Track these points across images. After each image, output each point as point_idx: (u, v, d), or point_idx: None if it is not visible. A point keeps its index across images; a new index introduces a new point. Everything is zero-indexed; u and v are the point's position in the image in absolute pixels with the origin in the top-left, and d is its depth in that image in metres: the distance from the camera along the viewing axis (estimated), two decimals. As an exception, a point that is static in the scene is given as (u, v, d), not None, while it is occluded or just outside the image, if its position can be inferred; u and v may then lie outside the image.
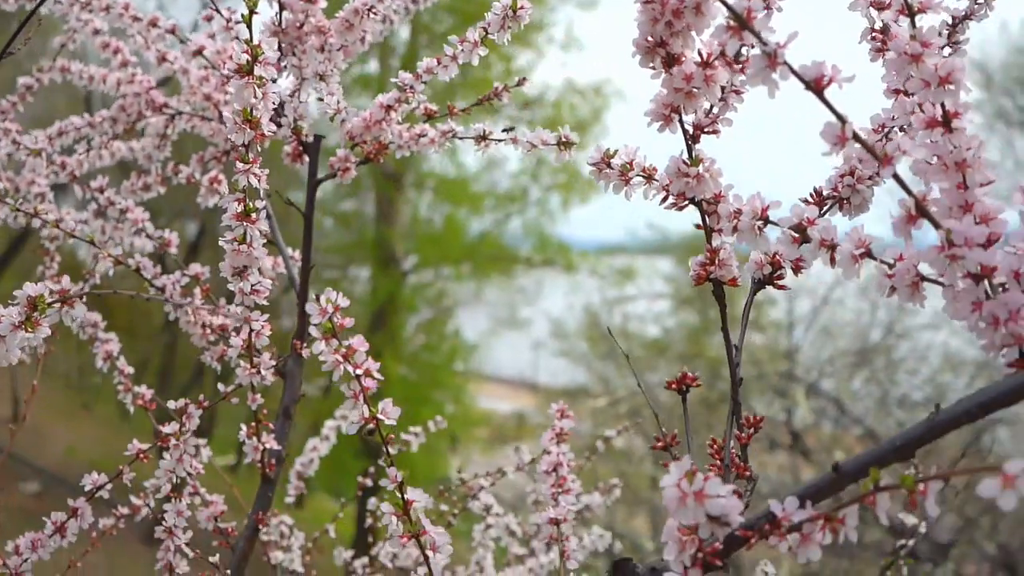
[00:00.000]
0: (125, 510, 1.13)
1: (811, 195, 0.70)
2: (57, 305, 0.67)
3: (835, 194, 0.69)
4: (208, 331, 1.03)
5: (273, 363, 0.92)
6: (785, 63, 0.51)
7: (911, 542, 1.14)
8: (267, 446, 0.98)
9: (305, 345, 0.98)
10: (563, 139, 0.84)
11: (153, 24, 1.11)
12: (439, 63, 0.94)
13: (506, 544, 1.40)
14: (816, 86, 0.51)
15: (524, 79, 1.02)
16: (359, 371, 0.63)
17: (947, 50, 0.74)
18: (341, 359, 0.62)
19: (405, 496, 0.65)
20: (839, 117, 0.51)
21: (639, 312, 10.77)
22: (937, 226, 0.52)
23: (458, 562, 1.45)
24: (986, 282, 0.54)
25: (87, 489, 0.91)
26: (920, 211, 0.52)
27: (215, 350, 1.03)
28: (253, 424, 0.97)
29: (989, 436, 6.66)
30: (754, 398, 6.62)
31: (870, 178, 0.68)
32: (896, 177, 0.52)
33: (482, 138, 0.97)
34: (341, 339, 0.62)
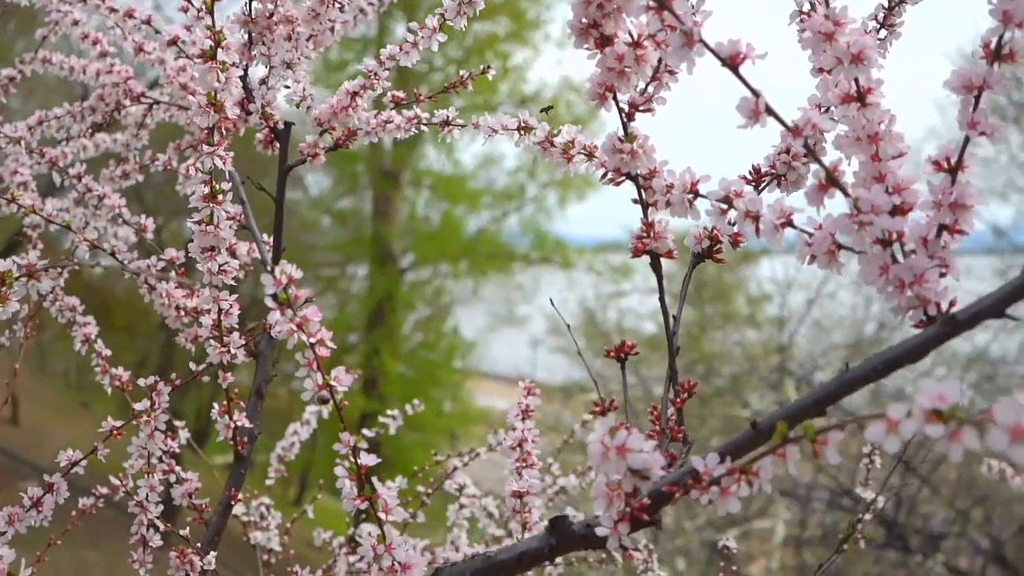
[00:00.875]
0: (104, 489, 1.16)
1: (749, 172, 0.73)
2: (24, 279, 0.70)
3: (772, 171, 0.72)
4: (182, 313, 1.05)
5: (243, 342, 0.94)
6: (701, 41, 0.54)
7: (867, 516, 1.17)
8: (239, 424, 1.01)
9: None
10: (523, 124, 0.87)
11: (129, 15, 1.14)
12: (401, 49, 0.97)
13: (483, 526, 1.43)
14: (732, 63, 0.54)
15: (488, 67, 1.05)
16: (313, 340, 0.66)
17: (883, 32, 0.77)
18: (296, 328, 0.65)
19: (359, 461, 0.68)
20: (753, 92, 0.54)
21: (635, 308, 10.78)
22: (847, 195, 0.55)
23: (439, 543, 1.48)
24: (899, 248, 0.57)
25: (62, 465, 0.94)
26: (831, 180, 0.55)
27: (189, 332, 1.06)
28: (225, 403, 1.00)
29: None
30: (747, 392, 6.65)
31: (805, 156, 0.71)
32: (807, 147, 0.55)
33: (445, 123, 1.00)
34: (296, 310, 0.65)
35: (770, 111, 0.54)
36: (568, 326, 0.97)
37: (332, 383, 0.67)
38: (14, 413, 9.44)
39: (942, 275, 0.55)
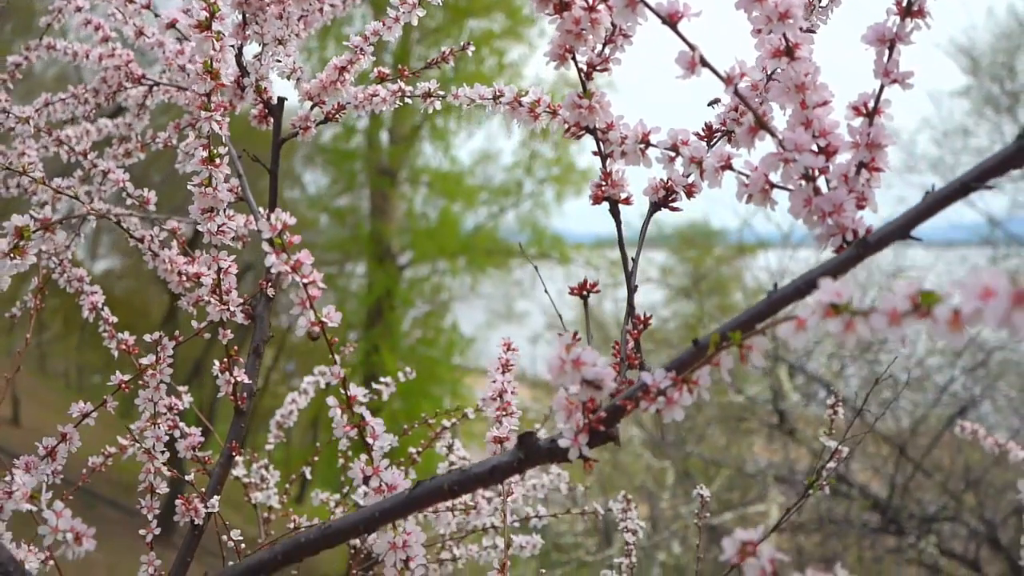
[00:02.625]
0: (113, 449, 1.23)
1: (702, 128, 0.79)
2: (41, 232, 0.77)
3: (723, 128, 0.79)
4: (184, 278, 1.12)
5: (241, 300, 1.01)
6: (643, 2, 0.60)
7: (832, 464, 1.23)
8: (238, 380, 1.08)
9: (271, 286, 1.08)
10: (497, 93, 0.94)
11: (129, 1, 1.21)
12: (384, 25, 1.04)
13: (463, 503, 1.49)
14: (671, 20, 0.61)
15: (468, 44, 1.12)
16: (306, 280, 0.73)
17: (825, 0, 0.84)
18: (290, 270, 0.72)
19: (348, 392, 0.75)
20: (690, 46, 0.61)
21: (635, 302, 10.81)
22: (774, 136, 0.62)
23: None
24: (825, 184, 0.64)
25: (74, 416, 1.01)
26: (759, 123, 0.62)
27: (191, 296, 1.13)
28: (225, 360, 1.07)
29: (973, 412, 6.79)
30: (741, 380, 6.72)
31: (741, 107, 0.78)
32: (738, 94, 0.62)
33: (428, 95, 1.07)
34: (291, 253, 0.72)
35: (704, 63, 0.61)
36: (561, 316, 1.03)
37: (324, 319, 0.73)
38: (15, 413, 9.51)
39: (860, 207, 0.62)
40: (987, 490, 6.34)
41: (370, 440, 0.75)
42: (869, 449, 7.56)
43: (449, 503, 1.19)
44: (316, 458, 1.50)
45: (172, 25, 1.13)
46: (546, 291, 1.04)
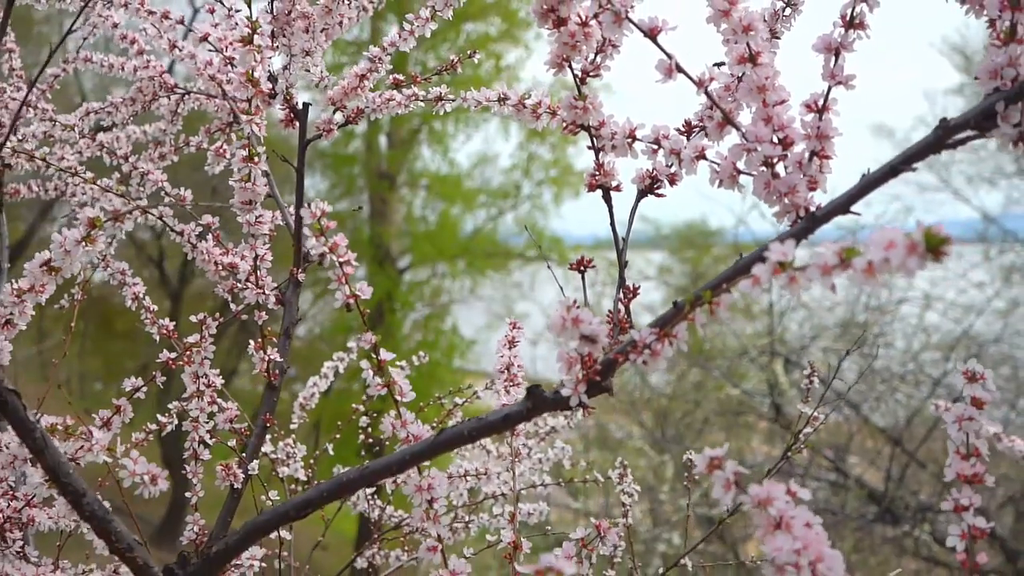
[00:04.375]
0: (153, 426, 1.34)
1: (683, 124, 0.91)
2: (111, 221, 0.89)
3: (700, 124, 0.91)
4: (219, 268, 1.24)
5: (275, 285, 1.13)
6: (627, 18, 0.72)
7: (807, 430, 1.35)
8: (272, 358, 1.20)
9: (302, 271, 1.19)
10: (501, 96, 1.05)
11: (165, 17, 1.33)
12: (400, 36, 1.16)
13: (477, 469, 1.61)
14: (652, 33, 0.73)
15: (475, 51, 1.24)
16: (341, 259, 0.84)
17: (788, 10, 0.96)
18: (328, 251, 0.84)
19: (379, 356, 0.87)
20: (667, 55, 0.73)
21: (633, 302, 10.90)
22: (739, 129, 0.74)
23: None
24: (783, 169, 0.75)
25: (127, 390, 1.13)
26: (726, 120, 0.74)
27: (225, 284, 1.25)
28: (260, 340, 1.19)
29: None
30: (738, 376, 6.84)
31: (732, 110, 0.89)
32: (708, 95, 0.74)
33: (439, 99, 1.19)
34: (328, 236, 0.84)
35: (680, 69, 0.73)
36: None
37: (357, 293, 0.85)
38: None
39: (812, 189, 0.74)
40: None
41: (398, 397, 0.87)
42: (867, 444, 7.68)
43: (463, 472, 1.31)
44: (338, 436, 1.62)
45: (205, 39, 1.25)
46: (558, 280, 1.16)
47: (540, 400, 0.79)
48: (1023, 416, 7.33)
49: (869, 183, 0.68)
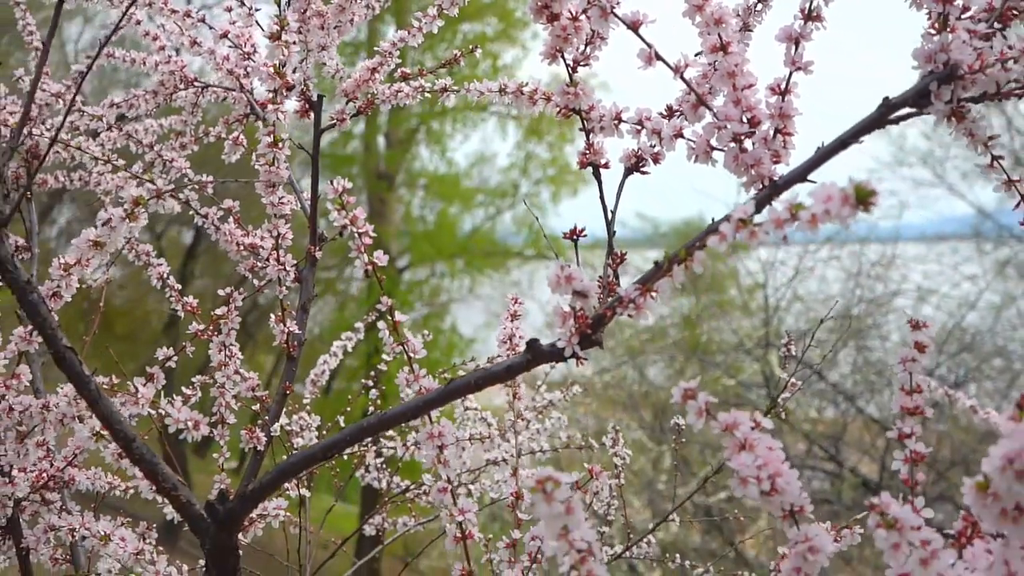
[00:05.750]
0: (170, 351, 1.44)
1: (665, 108, 1.01)
2: (154, 199, 0.99)
3: (679, 108, 1.01)
4: (240, 247, 1.34)
5: (295, 262, 1.23)
6: (613, 12, 0.83)
7: (786, 394, 1.45)
8: (291, 330, 1.30)
9: (318, 249, 1.29)
10: (502, 87, 1.15)
11: (187, 15, 1.43)
12: (408, 33, 1.26)
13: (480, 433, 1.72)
14: (634, 26, 0.83)
15: (476, 47, 1.34)
16: (360, 231, 0.95)
17: (759, 5, 1.06)
18: (349, 223, 0.94)
19: (394, 317, 0.97)
20: (647, 44, 0.83)
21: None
22: (711, 110, 0.84)
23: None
24: (751, 145, 0.86)
25: (160, 359, 1.23)
26: (700, 101, 0.84)
27: (246, 263, 1.35)
28: (280, 313, 1.29)
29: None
30: (736, 369, 6.95)
31: (707, 93, 1.00)
32: (683, 79, 0.84)
33: (444, 90, 1.29)
34: (349, 210, 0.95)
35: (659, 57, 0.83)
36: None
37: (374, 260, 0.95)
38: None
39: (776, 162, 0.84)
40: (974, 468, 6.57)
41: (411, 353, 0.97)
42: (863, 437, 7.79)
43: (467, 435, 1.41)
44: (348, 409, 1.72)
45: (224, 36, 1.35)
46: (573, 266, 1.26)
47: (538, 351, 0.89)
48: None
49: (823, 155, 0.78)
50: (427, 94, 1.31)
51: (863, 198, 0.60)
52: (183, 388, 1.33)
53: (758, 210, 0.81)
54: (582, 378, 7.57)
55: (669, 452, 6.92)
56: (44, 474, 1.19)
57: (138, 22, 1.54)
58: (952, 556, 0.69)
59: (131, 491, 1.36)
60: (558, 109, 0.96)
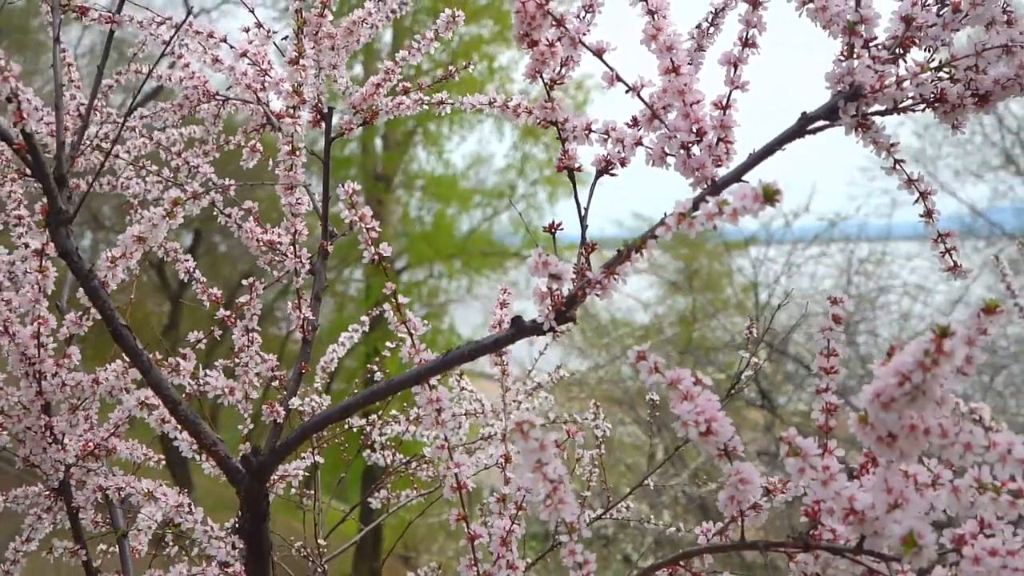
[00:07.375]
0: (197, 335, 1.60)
1: (631, 119, 1.18)
2: (191, 200, 1.15)
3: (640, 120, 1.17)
4: (260, 243, 1.50)
5: (310, 255, 1.40)
6: (581, 41, 0.99)
7: (750, 372, 1.61)
8: (306, 316, 1.46)
9: (330, 244, 1.46)
10: (492, 99, 1.32)
11: (210, 36, 1.59)
12: (409, 52, 1.43)
13: (474, 409, 1.88)
14: (598, 53, 0.99)
15: (469, 63, 1.50)
16: (368, 226, 1.11)
17: (711, 28, 1.22)
18: (357, 219, 1.10)
19: (398, 300, 1.13)
20: (609, 68, 1.00)
21: (628, 300, 11.18)
22: (662, 122, 1.00)
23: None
24: (698, 151, 1.02)
25: (191, 341, 1.39)
26: (654, 115, 1.01)
27: (265, 257, 1.51)
28: (296, 301, 1.46)
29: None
30: (729, 366, 7.12)
31: (664, 108, 1.16)
32: (640, 97, 1.00)
33: (441, 103, 1.46)
34: (357, 209, 1.11)
35: (619, 79, 1.00)
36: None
37: (380, 252, 1.12)
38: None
39: (718, 166, 1.00)
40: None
41: (413, 331, 1.14)
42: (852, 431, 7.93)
43: (463, 409, 1.57)
44: (356, 390, 1.87)
45: (244, 54, 1.52)
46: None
47: (521, 326, 1.06)
48: (1001, 397, 7.61)
49: (754, 160, 0.95)
50: (426, 106, 1.48)
51: (770, 196, 0.76)
52: (205, 370, 1.49)
53: (696, 207, 0.98)
54: (577, 373, 7.74)
55: (663, 446, 7.08)
56: (90, 443, 1.35)
57: (165, 42, 1.70)
58: (848, 480, 0.85)
59: (162, 462, 1.52)
60: (538, 120, 1.12)
